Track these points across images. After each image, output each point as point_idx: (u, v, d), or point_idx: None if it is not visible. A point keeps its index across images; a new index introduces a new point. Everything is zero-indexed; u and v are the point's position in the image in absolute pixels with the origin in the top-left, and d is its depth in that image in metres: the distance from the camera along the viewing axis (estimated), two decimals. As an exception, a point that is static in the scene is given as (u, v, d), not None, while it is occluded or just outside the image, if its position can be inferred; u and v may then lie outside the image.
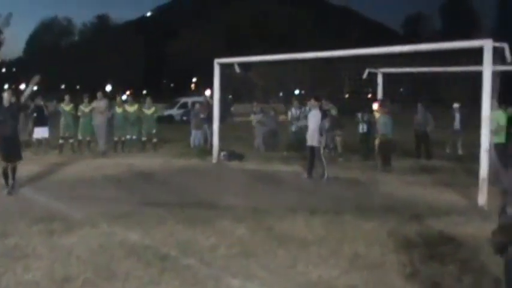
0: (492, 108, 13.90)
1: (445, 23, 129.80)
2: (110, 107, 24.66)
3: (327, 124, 17.70)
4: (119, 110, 24.46)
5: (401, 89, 27.47)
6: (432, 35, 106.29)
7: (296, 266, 8.04)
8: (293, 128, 24.69)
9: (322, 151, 17.09)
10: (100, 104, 24.25)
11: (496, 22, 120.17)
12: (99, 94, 24.80)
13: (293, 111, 25.00)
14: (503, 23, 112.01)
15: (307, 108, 22.65)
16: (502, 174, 13.85)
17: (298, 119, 24.60)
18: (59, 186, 15.25)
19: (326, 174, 16.74)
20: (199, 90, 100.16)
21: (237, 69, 21.11)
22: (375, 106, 19.33)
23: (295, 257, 8.46)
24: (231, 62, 21.32)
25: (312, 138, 17.16)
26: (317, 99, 18.03)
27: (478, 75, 14.13)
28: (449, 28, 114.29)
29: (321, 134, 17.06)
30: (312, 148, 17.18)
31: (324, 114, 17.80)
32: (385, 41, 23.44)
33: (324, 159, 16.96)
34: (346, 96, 42.56)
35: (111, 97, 33.46)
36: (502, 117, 17.89)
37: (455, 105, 24.34)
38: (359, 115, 22.45)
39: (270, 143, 25.63)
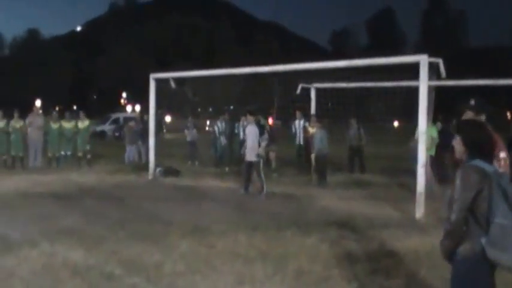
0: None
1: (371, 37, 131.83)
2: (45, 122, 24.21)
3: (266, 140, 17.65)
4: (54, 126, 23.99)
5: (329, 104, 27.79)
6: (359, 50, 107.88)
7: (243, 283, 8.03)
8: (222, 143, 24.78)
9: (261, 166, 17.11)
10: (37, 119, 23.88)
11: (420, 37, 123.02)
12: (35, 109, 24.40)
13: (219, 125, 25.05)
14: (427, 37, 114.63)
15: (241, 123, 22.80)
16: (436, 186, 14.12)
17: (225, 133, 24.71)
18: (-7, 204, 14.81)
19: (265, 190, 16.72)
20: (129, 105, 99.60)
21: (173, 85, 20.99)
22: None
23: (240, 274, 8.43)
24: (167, 77, 21.21)
25: (251, 154, 17.07)
26: (252, 113, 17.90)
27: (409, 91, 14.39)
28: (376, 43, 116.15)
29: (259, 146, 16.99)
30: (250, 163, 17.09)
31: (262, 129, 17.73)
32: (313, 57, 23.66)
33: (262, 175, 16.94)
34: (275, 111, 42.78)
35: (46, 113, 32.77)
36: (434, 131, 18.05)
37: None
38: (296, 123, 22.80)
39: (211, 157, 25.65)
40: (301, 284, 8.05)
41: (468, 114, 6.52)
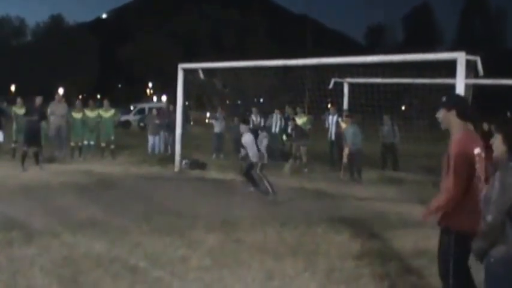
0: None
1: (407, 34, 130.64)
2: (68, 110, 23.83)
3: (265, 137, 16.34)
4: (77, 115, 23.51)
5: (362, 100, 27.53)
6: (395, 47, 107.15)
7: (273, 279, 7.82)
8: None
9: (257, 169, 15.67)
10: (60, 107, 23.49)
11: (457, 34, 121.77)
12: (57, 97, 24.00)
13: (253, 118, 24.68)
14: (464, 35, 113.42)
15: (274, 116, 22.56)
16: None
17: (259, 126, 24.28)
18: (14, 193, 14.54)
19: (270, 190, 15.25)
20: (155, 96, 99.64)
21: (202, 76, 20.65)
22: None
23: (269, 269, 8.22)
24: (195, 68, 20.91)
25: (253, 156, 15.61)
26: (245, 122, 16.63)
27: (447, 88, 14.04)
28: (411, 39, 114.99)
29: (258, 151, 15.62)
30: (251, 164, 15.73)
31: (256, 134, 16.15)
32: (347, 51, 23.27)
33: (260, 174, 15.63)
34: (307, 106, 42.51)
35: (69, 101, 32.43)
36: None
37: None
38: (330, 118, 22.46)
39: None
40: (331, 282, 7.81)
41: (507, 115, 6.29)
